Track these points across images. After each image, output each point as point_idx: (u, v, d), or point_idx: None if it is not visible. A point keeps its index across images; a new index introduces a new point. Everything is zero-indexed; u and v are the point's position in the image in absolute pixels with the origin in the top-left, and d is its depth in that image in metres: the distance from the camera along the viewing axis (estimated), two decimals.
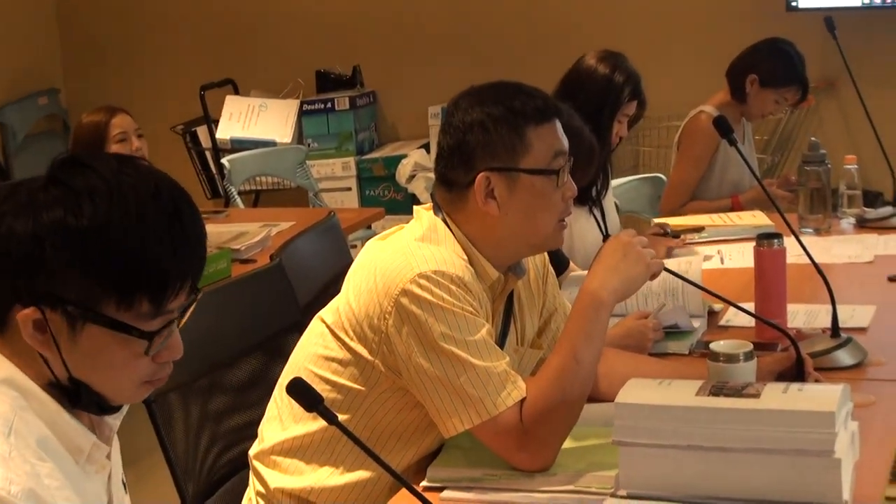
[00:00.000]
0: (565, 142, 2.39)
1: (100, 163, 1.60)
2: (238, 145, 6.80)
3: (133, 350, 1.61)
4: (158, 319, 1.61)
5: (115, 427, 1.72)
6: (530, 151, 2.33)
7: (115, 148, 4.57)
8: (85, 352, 1.59)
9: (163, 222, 1.58)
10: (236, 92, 7.20)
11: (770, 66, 4.63)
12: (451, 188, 2.38)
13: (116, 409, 1.68)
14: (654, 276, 2.36)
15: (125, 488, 1.77)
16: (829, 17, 4.68)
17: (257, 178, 6.65)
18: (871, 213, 4.31)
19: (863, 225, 4.23)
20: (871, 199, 5.14)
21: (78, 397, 1.63)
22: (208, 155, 7.04)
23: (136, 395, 1.67)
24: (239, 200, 5.90)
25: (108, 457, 1.70)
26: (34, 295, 1.57)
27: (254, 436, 2.50)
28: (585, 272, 3.06)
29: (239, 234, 4.46)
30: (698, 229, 4.19)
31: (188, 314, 1.65)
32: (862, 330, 3.02)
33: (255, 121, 7.00)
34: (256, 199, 7.07)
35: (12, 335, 1.60)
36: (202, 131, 7.06)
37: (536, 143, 2.33)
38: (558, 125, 2.38)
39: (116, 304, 1.58)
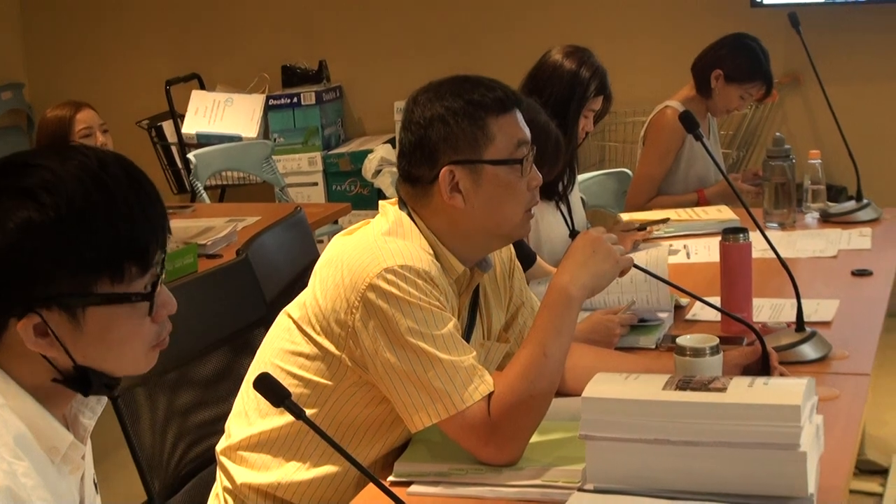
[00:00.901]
0: (527, 131, 2.38)
1: (38, 157, 1.60)
2: (204, 140, 6.77)
3: (137, 316, 1.62)
4: (147, 277, 1.62)
5: (90, 427, 1.71)
6: (493, 142, 2.33)
7: (79, 143, 4.55)
8: (93, 335, 1.59)
9: (123, 189, 1.59)
10: (202, 87, 7.18)
11: (735, 62, 4.64)
12: (415, 184, 2.38)
13: (118, 382, 1.67)
14: (623, 273, 2.37)
15: (96, 489, 1.76)
16: (793, 13, 4.69)
17: (223, 173, 6.62)
18: (835, 207, 4.33)
19: (827, 220, 4.25)
20: (835, 193, 5.17)
21: (89, 383, 1.62)
22: (174, 150, 7.00)
23: (148, 362, 1.68)
24: (205, 195, 5.88)
25: (83, 457, 1.69)
26: (26, 303, 1.56)
27: (221, 431, 2.49)
28: (552, 269, 3.08)
29: (205, 230, 4.44)
30: (664, 220, 4.20)
31: (164, 269, 1.66)
32: (826, 324, 3.04)
33: (221, 115, 6.97)
34: (222, 194, 7.05)
35: (5, 344, 1.59)
36: (168, 126, 7.03)
37: (498, 133, 2.33)
38: (519, 115, 2.39)
39: (110, 280, 1.58)
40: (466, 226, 2.36)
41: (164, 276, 1.65)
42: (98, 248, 1.57)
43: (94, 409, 1.71)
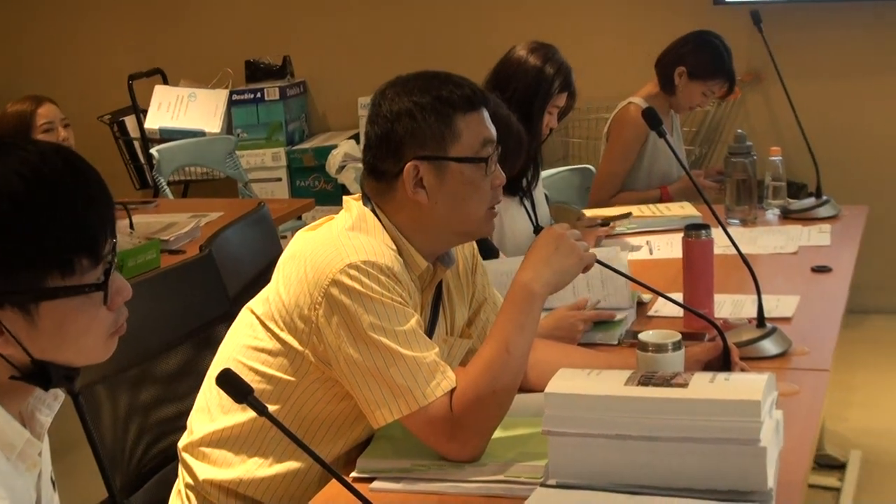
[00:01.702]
0: (493, 130, 2.39)
1: None
2: (167, 135, 6.74)
3: (92, 306, 1.60)
4: (99, 268, 1.60)
5: (47, 424, 1.70)
6: (459, 140, 2.33)
7: (41, 138, 4.52)
8: (49, 329, 1.58)
9: (66, 182, 1.57)
10: (165, 82, 7.14)
11: (698, 59, 4.66)
12: (380, 178, 2.38)
13: (78, 372, 1.66)
14: (586, 269, 2.37)
15: (54, 486, 1.75)
16: (755, 11, 4.72)
17: (186, 169, 6.60)
18: (796, 204, 4.36)
19: (787, 216, 4.28)
20: (796, 190, 5.19)
21: (48, 377, 1.61)
22: (137, 145, 6.97)
23: (107, 351, 1.66)
24: (168, 191, 5.85)
25: (40, 454, 1.68)
26: None
27: (183, 428, 2.48)
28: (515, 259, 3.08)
29: (168, 225, 4.43)
30: (626, 215, 4.21)
31: (116, 255, 1.65)
32: (786, 320, 3.05)
33: (184, 111, 6.94)
34: (186, 189, 7.02)
35: None
36: (130, 121, 6.99)
37: (465, 131, 2.34)
38: (486, 114, 2.39)
39: (61, 274, 1.56)
40: (429, 222, 2.36)
41: (115, 263, 1.64)
42: (44, 243, 1.55)
43: (50, 406, 1.69)
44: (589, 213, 4.29)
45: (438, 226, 2.37)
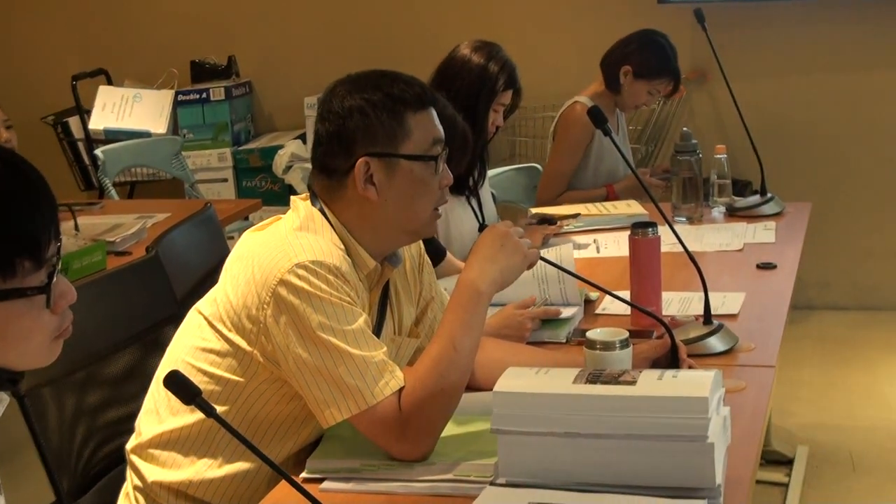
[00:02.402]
0: (442, 130, 2.40)
1: None
2: (112, 136, 6.69)
3: (35, 309, 1.58)
4: (42, 271, 1.58)
5: None
6: (410, 137, 2.34)
7: None
8: None
9: (7, 183, 1.55)
10: (109, 82, 7.08)
11: (643, 58, 4.68)
12: (330, 176, 2.37)
13: (22, 375, 1.64)
14: (530, 266, 2.38)
15: (0, 489, 1.73)
16: (698, 10, 4.74)
17: (132, 170, 6.55)
18: (741, 201, 4.39)
19: (733, 214, 4.31)
20: (741, 188, 5.23)
21: None
22: (81, 146, 6.91)
23: (51, 354, 1.64)
24: (113, 192, 5.81)
25: None
26: None
27: (131, 430, 2.47)
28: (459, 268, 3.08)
29: (114, 227, 4.40)
30: (574, 215, 4.22)
31: (60, 258, 1.62)
32: (732, 316, 3.07)
33: (129, 111, 6.89)
34: (131, 190, 6.97)
35: None
36: (74, 122, 6.93)
37: (416, 129, 2.34)
38: (434, 114, 2.39)
39: (2, 277, 1.54)
40: (377, 219, 2.36)
41: (59, 266, 1.62)
42: None
43: None
44: (535, 211, 4.30)
45: (386, 224, 2.37)
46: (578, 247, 3.89)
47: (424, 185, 2.36)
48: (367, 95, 2.33)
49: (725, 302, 3.17)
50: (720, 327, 2.85)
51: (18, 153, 1.63)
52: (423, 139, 2.35)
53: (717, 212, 4.34)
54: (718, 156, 4.40)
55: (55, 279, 1.60)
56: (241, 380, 2.31)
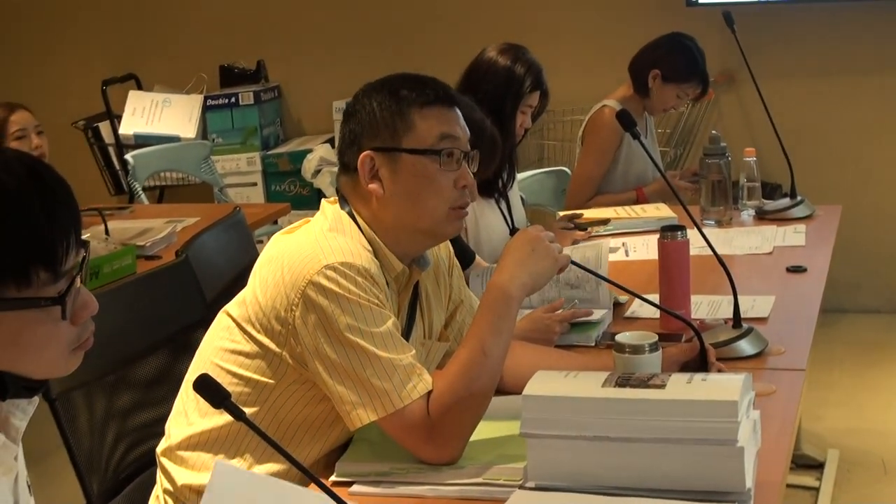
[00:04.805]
0: (460, 129, 2.39)
1: None
2: (141, 141, 6.72)
3: (50, 320, 1.56)
4: (61, 282, 1.56)
5: (22, 428, 1.68)
6: (412, 131, 2.34)
7: (14, 145, 4.51)
8: (4, 340, 1.55)
9: (27, 189, 1.54)
10: (139, 87, 7.12)
11: (672, 62, 4.67)
12: (346, 171, 2.41)
13: (43, 384, 1.64)
14: (561, 270, 2.38)
15: (30, 490, 1.73)
16: (727, 12, 4.73)
17: (162, 174, 6.58)
18: (770, 204, 4.38)
19: (762, 217, 4.29)
20: (770, 191, 5.21)
21: (4, 388, 1.59)
22: (111, 151, 6.95)
23: (70, 365, 1.63)
24: (143, 196, 5.84)
25: (16, 458, 1.66)
26: None
27: (161, 433, 2.47)
28: (492, 265, 3.08)
29: (144, 231, 4.42)
30: (604, 222, 4.22)
31: (85, 269, 1.61)
32: (762, 320, 3.06)
33: (159, 116, 6.93)
34: (161, 195, 7.00)
35: None
36: (104, 127, 6.97)
37: (420, 123, 2.35)
38: (454, 113, 2.40)
39: (16, 285, 1.53)
40: (388, 216, 2.36)
41: (80, 277, 1.60)
42: None
43: (25, 410, 1.66)
44: (567, 214, 4.29)
45: (396, 221, 2.36)
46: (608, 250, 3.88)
47: (430, 181, 2.35)
48: (378, 95, 2.37)
49: (755, 305, 3.15)
50: (750, 330, 2.84)
51: (46, 160, 1.62)
52: (428, 133, 2.35)
53: (747, 215, 4.32)
54: (748, 158, 4.38)
55: (75, 290, 1.59)
56: (270, 381, 2.32)
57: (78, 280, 1.59)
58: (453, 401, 2.22)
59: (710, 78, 4.82)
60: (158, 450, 2.45)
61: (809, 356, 2.83)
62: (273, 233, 2.58)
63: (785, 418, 2.41)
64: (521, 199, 4.11)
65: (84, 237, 1.63)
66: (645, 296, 2.63)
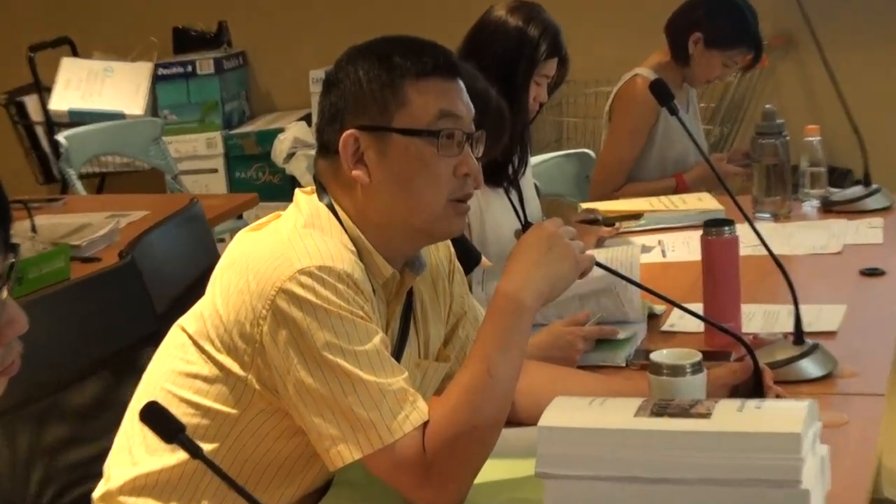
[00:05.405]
0: (463, 106, 2.39)
1: None
2: (77, 119, 6.73)
3: None
4: None
5: None
6: (405, 108, 2.34)
7: None
8: None
9: None
10: (75, 53, 7.14)
11: (716, 23, 4.68)
12: (326, 154, 2.41)
13: None
14: (583, 274, 2.37)
15: None
16: None
17: (102, 159, 6.59)
18: (839, 194, 4.38)
19: (829, 208, 4.30)
20: (838, 177, 5.22)
21: None
22: (40, 130, 6.96)
23: None
24: (79, 186, 5.84)
25: None
26: None
27: (99, 474, 2.47)
28: (500, 267, 3.07)
29: (80, 227, 4.42)
30: (636, 216, 4.22)
31: (13, 278, 1.60)
32: (830, 334, 3.06)
33: (99, 89, 6.94)
34: (101, 183, 7.02)
35: None
36: (32, 102, 6.99)
37: (415, 99, 2.34)
38: (458, 85, 2.39)
39: None
40: (374, 210, 2.36)
41: (7, 288, 1.59)
42: None
43: None
44: (588, 207, 4.29)
45: (384, 215, 2.36)
46: (641, 250, 3.88)
47: (426, 168, 2.35)
48: (365, 62, 2.37)
49: (821, 316, 3.15)
50: (815, 347, 2.83)
51: None
52: (425, 110, 2.35)
53: (810, 206, 4.33)
54: (810, 138, 4.39)
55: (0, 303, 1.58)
56: (233, 411, 2.31)
57: (5, 291, 1.58)
58: (454, 433, 2.21)
59: (764, 41, 4.82)
60: (95, 495, 2.44)
61: (889, 378, 2.82)
62: (237, 229, 2.57)
63: (860, 454, 2.41)
64: (536, 188, 4.10)
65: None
66: (686, 305, 2.62)
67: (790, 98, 6.35)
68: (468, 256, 3.29)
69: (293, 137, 6.63)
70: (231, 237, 2.47)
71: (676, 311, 3.16)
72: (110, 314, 2.91)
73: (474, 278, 3.29)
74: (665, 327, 3.20)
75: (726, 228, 3.05)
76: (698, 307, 3.00)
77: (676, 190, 4.65)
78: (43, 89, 6.88)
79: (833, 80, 4.46)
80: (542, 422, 2.04)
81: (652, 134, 4.76)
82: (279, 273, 2.24)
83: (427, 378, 2.52)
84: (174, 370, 2.38)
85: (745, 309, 3.10)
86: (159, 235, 3.55)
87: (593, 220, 4.07)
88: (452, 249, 2.65)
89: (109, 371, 2.80)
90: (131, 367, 2.80)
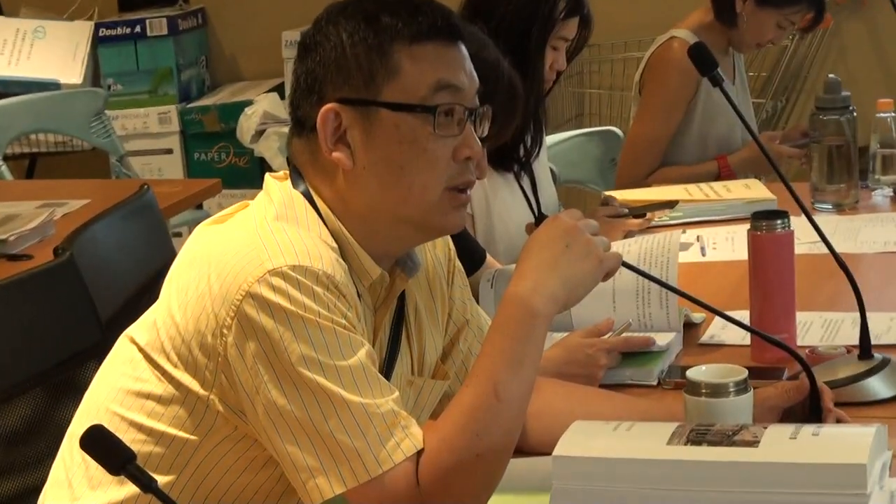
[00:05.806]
0: (465, 76, 2.38)
1: None
2: (2, 88, 6.73)
3: None
4: None
5: None
6: (396, 78, 2.33)
7: None
8: None
9: None
10: (0, 12, 7.13)
11: None
12: (301, 130, 2.40)
13: None
14: (608, 276, 2.37)
15: None
16: None
17: (32, 137, 6.59)
18: None
19: None
20: None
21: None
22: None
23: None
24: (4, 169, 5.84)
25: None
26: None
27: None
28: (509, 267, 3.09)
29: (6, 219, 4.42)
30: (670, 205, 4.22)
31: None
32: None
33: (28, 52, 6.94)
34: (31, 166, 7.02)
35: None
36: None
37: (408, 67, 2.34)
38: (459, 50, 2.39)
39: None
40: (358, 200, 2.35)
41: None
42: None
43: None
44: (615, 195, 4.30)
45: (372, 206, 2.35)
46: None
47: (419, 149, 2.34)
48: (349, 23, 2.35)
49: (893, 326, 3.16)
50: (885, 363, 2.84)
51: None
52: (419, 81, 2.34)
53: (881, 195, 4.33)
54: (882, 114, 4.39)
55: None
56: (192, 437, 2.32)
57: None
58: (454, 463, 2.22)
59: None
60: None
61: None
62: (197, 222, 2.58)
63: None
64: (553, 172, 4.11)
65: None
66: (730, 313, 2.64)
67: (859, 66, 6.36)
68: (472, 256, 3.31)
69: (262, 112, 6.63)
70: (189, 231, 2.48)
71: (718, 319, 3.17)
72: (45, 322, 2.91)
73: (482, 279, 3.29)
74: (704, 339, 3.21)
75: (779, 222, 3.04)
76: (744, 315, 3.01)
77: (719, 175, 4.65)
78: None
79: None
80: (558, 450, 2.06)
81: (691, 108, 4.76)
82: (246, 274, 2.24)
83: (422, 398, 2.53)
84: (122, 388, 2.38)
85: (801, 317, 3.11)
86: (103, 229, 3.55)
87: (621, 212, 4.06)
88: (452, 246, 2.65)
89: (44, 389, 2.81)
90: (70, 384, 2.81)
